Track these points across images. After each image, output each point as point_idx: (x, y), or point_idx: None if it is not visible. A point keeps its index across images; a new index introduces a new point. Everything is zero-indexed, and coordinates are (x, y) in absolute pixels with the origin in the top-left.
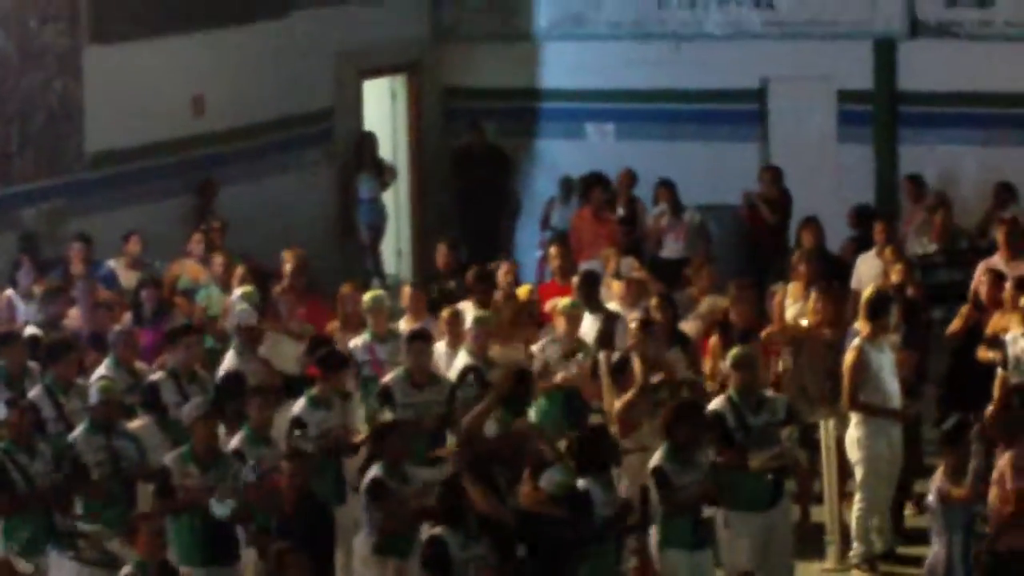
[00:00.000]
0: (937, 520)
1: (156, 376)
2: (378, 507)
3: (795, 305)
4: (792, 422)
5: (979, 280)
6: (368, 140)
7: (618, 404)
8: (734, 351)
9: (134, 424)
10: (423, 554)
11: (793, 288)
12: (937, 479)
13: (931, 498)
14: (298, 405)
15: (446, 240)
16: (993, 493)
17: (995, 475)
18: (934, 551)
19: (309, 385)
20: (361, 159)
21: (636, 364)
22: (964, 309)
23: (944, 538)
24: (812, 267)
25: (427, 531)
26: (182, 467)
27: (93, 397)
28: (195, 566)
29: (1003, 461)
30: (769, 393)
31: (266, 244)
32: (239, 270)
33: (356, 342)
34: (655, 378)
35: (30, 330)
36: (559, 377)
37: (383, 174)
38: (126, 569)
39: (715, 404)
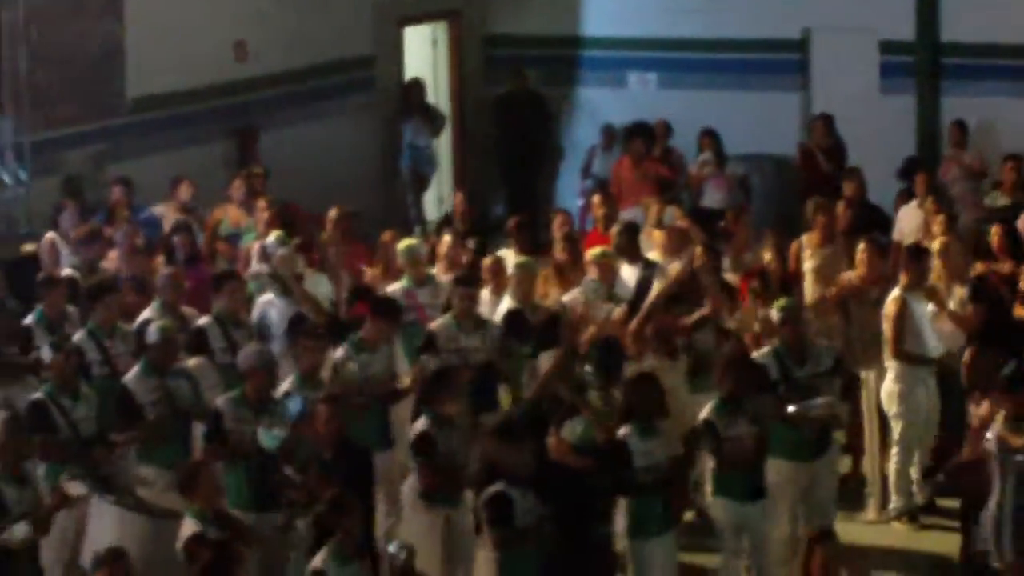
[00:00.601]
0: (994, 466)
1: (202, 321)
2: (423, 461)
3: (813, 257)
4: (839, 372)
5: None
6: (416, 86)
7: (635, 321)
8: (781, 302)
9: (191, 363)
10: (489, 512)
11: (808, 239)
12: (996, 426)
13: (989, 444)
14: (342, 348)
15: (463, 187)
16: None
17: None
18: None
19: (343, 328)
20: (410, 105)
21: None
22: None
23: (999, 484)
24: (829, 218)
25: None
26: (234, 411)
27: (152, 337)
28: (246, 511)
29: (981, 410)
30: (816, 342)
31: (307, 190)
32: (266, 214)
33: (394, 288)
34: (695, 315)
35: (68, 273)
36: (592, 329)
37: (433, 120)
38: (189, 524)
39: (760, 355)
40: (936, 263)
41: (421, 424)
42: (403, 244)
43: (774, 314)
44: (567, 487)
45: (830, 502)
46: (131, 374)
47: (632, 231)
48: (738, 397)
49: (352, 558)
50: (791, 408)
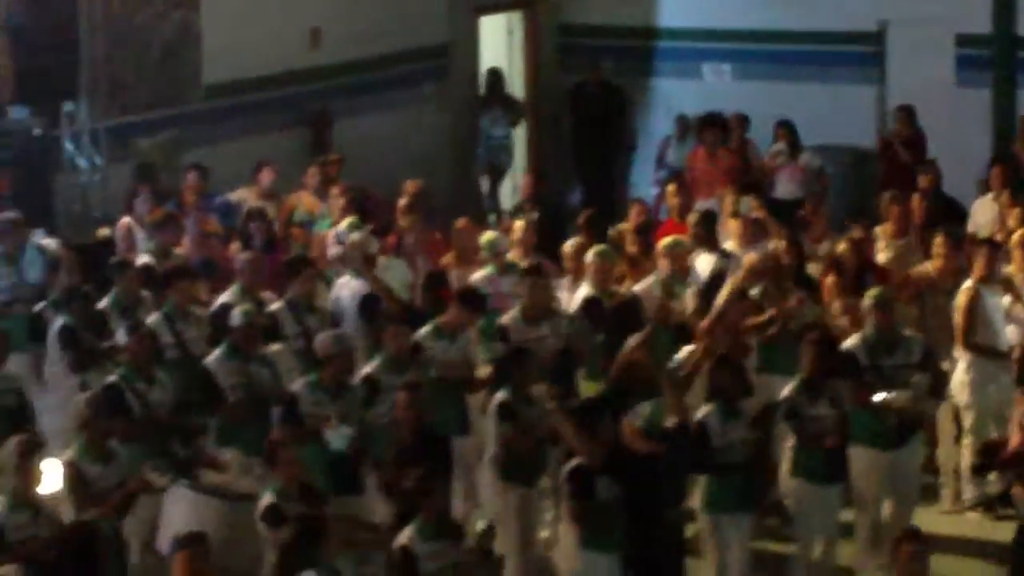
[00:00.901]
0: None
1: (275, 307)
2: (505, 428)
3: (887, 249)
4: (927, 365)
5: None
6: (495, 76)
7: (706, 320)
8: (874, 291)
9: (272, 349)
10: (571, 485)
11: (882, 231)
12: None
13: None
14: (421, 332)
15: (532, 170)
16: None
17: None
18: None
19: (417, 316)
20: (488, 95)
21: (731, 282)
22: None
23: None
24: (903, 210)
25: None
26: (311, 396)
27: (235, 321)
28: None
29: None
30: (907, 332)
31: (381, 178)
32: (340, 201)
33: (478, 276)
34: (765, 315)
35: (143, 258)
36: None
37: (512, 110)
38: (266, 499)
39: (849, 343)
40: (1016, 254)
41: (501, 395)
42: (485, 238)
43: (866, 302)
44: (637, 471)
45: (913, 492)
46: (213, 356)
47: (710, 220)
48: (819, 378)
49: (438, 536)
50: (875, 397)
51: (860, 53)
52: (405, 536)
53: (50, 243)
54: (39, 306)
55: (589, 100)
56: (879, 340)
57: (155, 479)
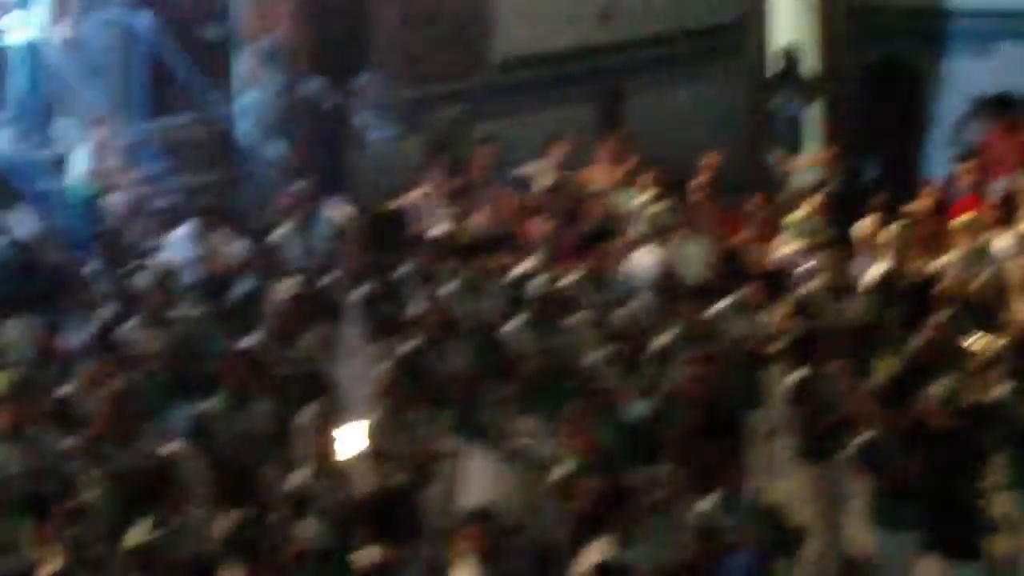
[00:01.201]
0: None
1: (572, 278)
2: (804, 406)
3: None
4: None
5: None
6: (790, 54)
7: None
8: None
9: (569, 320)
10: (867, 463)
11: None
12: None
13: None
14: (718, 307)
15: (828, 147)
16: None
17: None
18: None
19: (710, 292)
20: (783, 73)
21: None
22: None
23: None
24: None
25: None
26: (607, 368)
27: (536, 292)
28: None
29: None
30: None
31: (672, 154)
32: (635, 176)
33: (783, 252)
34: None
35: (437, 230)
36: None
37: (806, 88)
38: (564, 468)
39: None
40: None
41: (800, 373)
42: (789, 219)
43: None
44: (936, 448)
45: None
46: (511, 327)
47: (1008, 199)
48: None
49: (739, 509)
50: None
51: None
52: (706, 507)
53: (342, 214)
54: (333, 276)
55: (882, 80)
56: None
57: (453, 446)
